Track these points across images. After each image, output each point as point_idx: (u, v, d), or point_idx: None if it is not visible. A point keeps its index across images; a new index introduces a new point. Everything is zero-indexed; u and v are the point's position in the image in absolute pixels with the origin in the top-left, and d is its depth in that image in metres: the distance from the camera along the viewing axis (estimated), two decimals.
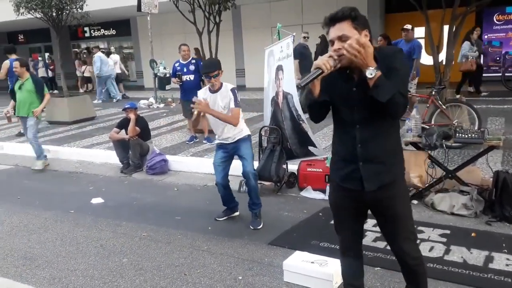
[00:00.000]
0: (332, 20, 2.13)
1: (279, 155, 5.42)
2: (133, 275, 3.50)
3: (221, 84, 4.28)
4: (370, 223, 3.88)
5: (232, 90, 4.22)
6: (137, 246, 4.05)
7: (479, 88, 10.97)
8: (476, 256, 3.40)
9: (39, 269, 3.69)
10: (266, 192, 5.35)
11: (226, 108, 4.22)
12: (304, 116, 6.19)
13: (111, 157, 7.09)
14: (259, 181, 5.35)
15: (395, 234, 2.34)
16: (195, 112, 4.02)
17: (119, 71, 15.25)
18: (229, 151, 4.34)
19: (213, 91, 4.25)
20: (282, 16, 13.23)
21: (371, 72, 2.04)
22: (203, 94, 4.32)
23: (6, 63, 9.06)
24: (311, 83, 2.13)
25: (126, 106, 6.76)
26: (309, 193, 5.18)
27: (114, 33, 20.04)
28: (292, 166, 5.63)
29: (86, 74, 17.73)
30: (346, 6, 2.17)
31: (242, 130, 4.34)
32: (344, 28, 2.10)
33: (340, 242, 2.55)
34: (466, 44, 10.51)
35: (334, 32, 2.12)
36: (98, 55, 13.74)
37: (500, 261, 3.31)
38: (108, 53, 16.09)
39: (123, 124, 6.77)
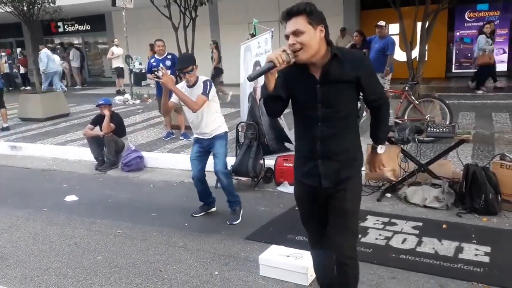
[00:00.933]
0: (288, 15, 2.15)
1: (256, 151, 5.43)
2: (107, 272, 3.46)
3: (197, 78, 4.25)
4: None
5: (204, 81, 4.17)
6: (112, 243, 4.00)
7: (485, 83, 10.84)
8: (446, 247, 3.49)
9: (10, 268, 3.61)
10: (243, 188, 5.36)
11: None
12: None
13: (86, 154, 6.98)
14: (236, 177, 5.38)
15: (336, 228, 2.33)
16: (161, 80, 4.02)
17: (122, 66, 14.58)
18: (205, 146, 4.33)
19: (190, 86, 4.23)
20: (259, 12, 13.20)
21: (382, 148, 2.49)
22: (180, 88, 4.30)
23: None
24: (265, 75, 2.13)
25: (100, 102, 6.64)
26: (286, 187, 5.21)
27: (88, 28, 19.68)
28: (269, 162, 5.66)
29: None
30: (305, 1, 2.20)
31: (220, 126, 4.32)
32: (299, 22, 2.11)
33: (308, 236, 2.59)
34: (482, 37, 10.38)
35: (289, 26, 2.13)
36: (44, 52, 13.48)
37: (470, 251, 3.41)
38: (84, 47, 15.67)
39: (98, 121, 6.66)
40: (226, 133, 4.37)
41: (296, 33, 2.10)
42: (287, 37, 2.15)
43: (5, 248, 4.00)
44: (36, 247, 4.00)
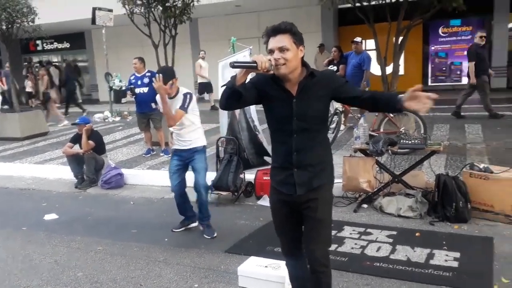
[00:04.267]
0: (274, 31, 2.30)
1: (236, 165, 5.52)
2: None
3: (178, 90, 4.32)
4: None
5: (185, 94, 4.24)
6: (92, 260, 4.02)
7: None
8: (419, 254, 3.62)
9: None
10: (224, 202, 5.43)
11: None
12: (260, 128, 6.35)
13: (65, 173, 6.97)
14: (217, 192, 5.44)
15: (310, 237, 2.43)
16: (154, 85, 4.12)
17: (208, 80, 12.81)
18: (184, 159, 4.39)
19: (170, 97, 4.29)
20: (239, 29, 13.43)
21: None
22: None
23: None
24: (242, 69, 2.22)
25: (77, 121, 6.68)
26: (266, 201, 5.27)
27: (68, 46, 19.64)
28: (249, 176, 5.74)
29: (28, 89, 17.05)
30: (286, 21, 2.34)
31: (199, 138, 4.38)
32: (285, 40, 2.27)
33: (281, 245, 2.67)
34: None
35: (275, 42, 2.28)
36: None
37: (440, 257, 3.55)
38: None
39: (77, 139, 6.68)
40: (204, 146, 4.44)
41: (282, 49, 2.26)
42: (271, 51, 2.28)
43: None
44: (15, 266, 3.98)
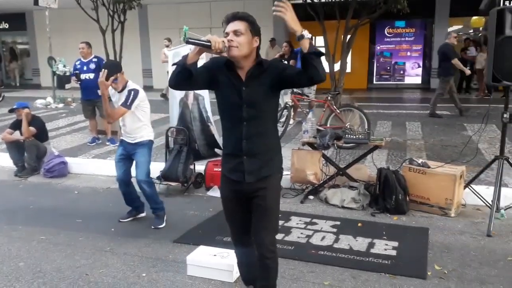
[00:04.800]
0: (233, 17, 2.37)
1: (186, 156, 5.49)
2: (30, 278, 3.37)
3: (126, 83, 4.24)
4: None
5: (129, 91, 4.14)
6: (35, 249, 3.88)
7: None
8: (360, 243, 3.82)
9: None
10: (173, 193, 5.40)
11: None
12: (213, 118, 6.36)
13: (4, 160, 6.64)
14: (166, 182, 5.41)
15: (260, 225, 2.53)
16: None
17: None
18: (128, 151, 4.31)
19: (118, 91, 4.23)
20: (190, 18, 13.26)
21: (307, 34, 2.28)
22: (112, 92, 4.29)
23: None
24: (194, 48, 2.29)
25: (14, 107, 6.36)
26: (216, 192, 5.31)
27: (6, 27, 18.52)
28: (199, 167, 5.74)
29: None
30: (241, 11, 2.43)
31: (145, 135, 4.29)
32: (241, 25, 2.34)
33: (230, 234, 2.76)
34: None
35: (232, 26, 2.34)
36: None
37: (380, 246, 3.76)
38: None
39: (17, 125, 6.36)
40: (150, 141, 4.35)
41: (237, 33, 2.32)
42: (227, 34, 2.34)
43: None
44: None
